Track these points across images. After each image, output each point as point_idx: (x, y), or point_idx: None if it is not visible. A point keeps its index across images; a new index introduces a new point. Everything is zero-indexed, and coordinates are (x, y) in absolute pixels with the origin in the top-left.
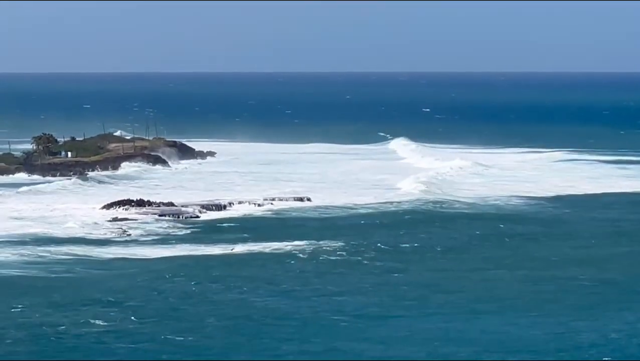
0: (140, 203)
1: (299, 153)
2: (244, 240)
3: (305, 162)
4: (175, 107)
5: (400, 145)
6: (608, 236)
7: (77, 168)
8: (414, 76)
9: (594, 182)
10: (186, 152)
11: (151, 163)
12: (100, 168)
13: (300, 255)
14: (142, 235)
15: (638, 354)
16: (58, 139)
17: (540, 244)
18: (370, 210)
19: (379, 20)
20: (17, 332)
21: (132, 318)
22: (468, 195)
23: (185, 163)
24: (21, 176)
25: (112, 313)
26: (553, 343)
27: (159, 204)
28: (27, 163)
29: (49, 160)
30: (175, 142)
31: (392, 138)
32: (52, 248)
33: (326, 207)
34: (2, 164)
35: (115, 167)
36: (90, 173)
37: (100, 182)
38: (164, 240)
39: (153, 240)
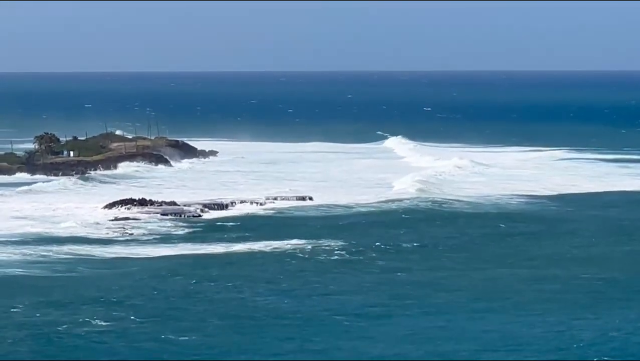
0: (142, 202)
1: (300, 152)
2: (246, 239)
3: (307, 161)
4: (176, 106)
5: (398, 144)
6: (609, 235)
7: (79, 168)
8: (415, 75)
9: (595, 181)
10: (188, 151)
11: (153, 163)
12: (102, 168)
13: (302, 254)
14: (143, 235)
15: (639, 353)
16: (60, 139)
17: (541, 243)
18: (371, 209)
19: (380, 19)
20: (18, 332)
21: (133, 317)
22: (469, 193)
23: (187, 163)
24: (23, 176)
25: (113, 313)
26: (554, 341)
27: (161, 203)
28: (29, 163)
29: (51, 160)
30: (177, 141)
31: (389, 137)
32: (54, 248)
33: (328, 206)
34: (4, 164)
35: (117, 167)
36: (92, 173)
37: (102, 181)
38: (166, 239)
39: (155, 239)
